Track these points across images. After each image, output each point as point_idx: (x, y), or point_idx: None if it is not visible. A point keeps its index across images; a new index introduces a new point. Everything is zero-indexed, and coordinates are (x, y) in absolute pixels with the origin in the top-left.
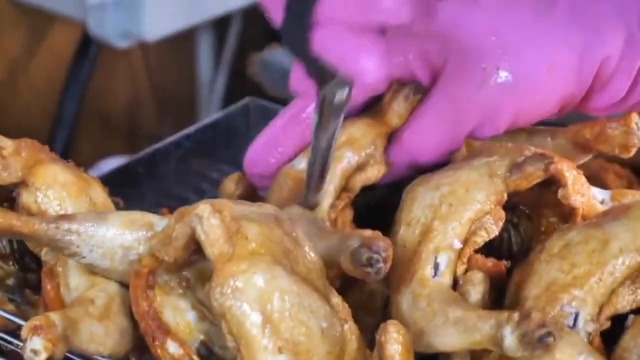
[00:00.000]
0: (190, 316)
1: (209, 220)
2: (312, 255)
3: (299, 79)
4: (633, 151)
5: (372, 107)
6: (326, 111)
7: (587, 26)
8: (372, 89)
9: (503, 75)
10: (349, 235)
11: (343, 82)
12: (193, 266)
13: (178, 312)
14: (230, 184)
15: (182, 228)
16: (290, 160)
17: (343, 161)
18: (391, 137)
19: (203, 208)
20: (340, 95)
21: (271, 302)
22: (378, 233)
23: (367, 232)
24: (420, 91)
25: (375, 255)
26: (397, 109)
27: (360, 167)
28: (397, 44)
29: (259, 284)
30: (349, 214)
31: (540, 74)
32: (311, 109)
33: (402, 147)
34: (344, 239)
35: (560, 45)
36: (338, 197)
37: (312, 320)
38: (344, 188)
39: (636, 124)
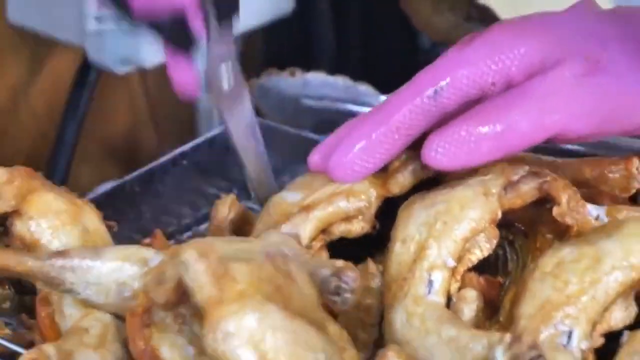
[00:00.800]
0: (189, 351)
1: (194, 266)
2: (307, 288)
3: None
4: (632, 191)
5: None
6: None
7: None
8: None
9: (604, 71)
10: (321, 264)
11: None
12: (188, 302)
13: (176, 349)
14: (223, 208)
15: (171, 271)
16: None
17: (335, 208)
18: None
19: (189, 254)
20: None
21: (264, 341)
22: (349, 264)
23: (339, 263)
24: (428, 168)
25: (344, 285)
26: (401, 181)
27: (346, 218)
28: None
29: (250, 324)
30: (324, 255)
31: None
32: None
33: None
34: (316, 266)
35: None
36: (315, 238)
37: (309, 355)
38: (323, 230)
39: (637, 168)
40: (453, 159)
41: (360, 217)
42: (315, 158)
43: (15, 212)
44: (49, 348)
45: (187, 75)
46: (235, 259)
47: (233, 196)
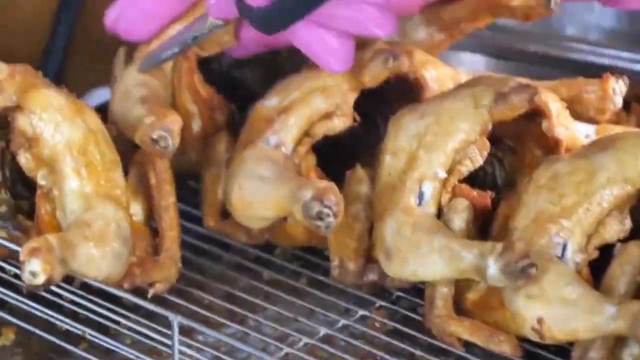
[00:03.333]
0: None
1: None
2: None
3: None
4: (608, 114)
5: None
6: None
7: None
8: None
9: None
10: (303, 186)
11: None
12: None
13: None
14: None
15: None
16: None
17: (311, 105)
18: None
19: None
20: None
21: None
22: (331, 185)
23: (321, 184)
24: (399, 58)
25: (326, 210)
26: (373, 70)
27: (327, 115)
28: None
29: None
30: (312, 159)
31: None
32: None
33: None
34: (298, 188)
35: None
36: (300, 142)
37: None
38: (307, 133)
39: (613, 89)
40: None
41: (338, 112)
42: (107, 21)
43: (17, 107)
44: (52, 238)
45: None
46: None
47: (226, 132)
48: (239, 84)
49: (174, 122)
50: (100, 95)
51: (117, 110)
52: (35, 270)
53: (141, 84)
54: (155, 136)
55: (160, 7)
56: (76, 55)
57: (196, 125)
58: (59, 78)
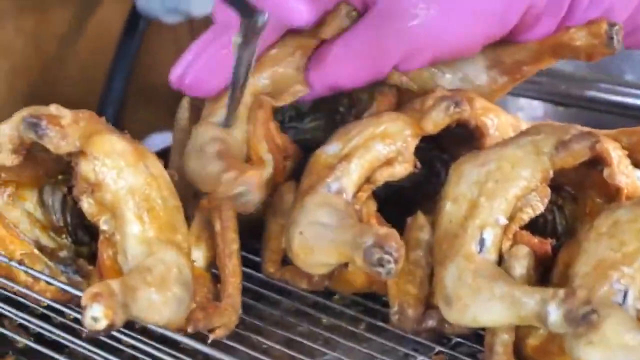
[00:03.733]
0: None
1: None
2: None
3: (221, 9)
4: (598, 58)
5: (411, 105)
6: (248, 35)
7: None
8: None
9: (431, 15)
10: (364, 232)
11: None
12: None
13: None
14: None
15: None
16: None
17: (372, 152)
18: (312, 58)
19: None
20: (262, 19)
21: None
22: (392, 232)
23: (382, 230)
24: (462, 106)
25: (387, 256)
26: (435, 117)
27: (388, 162)
28: None
29: None
30: (372, 205)
31: (465, 19)
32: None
33: (323, 70)
34: (359, 235)
35: None
36: (360, 189)
37: None
38: (368, 179)
39: (605, 32)
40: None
41: (400, 159)
42: (173, 77)
43: (80, 153)
44: (114, 283)
45: None
46: None
47: (294, 183)
48: (300, 134)
49: (254, 176)
50: (156, 139)
51: (193, 168)
52: (97, 315)
53: (215, 140)
54: (236, 192)
55: (227, 60)
56: (132, 102)
57: (267, 173)
58: (116, 125)
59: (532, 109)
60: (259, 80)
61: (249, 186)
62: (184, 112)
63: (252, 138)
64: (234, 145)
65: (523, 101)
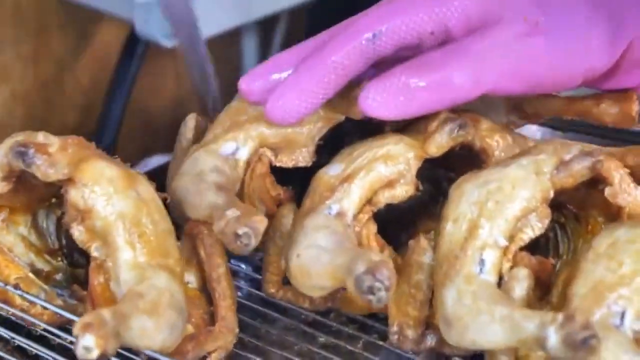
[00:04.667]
0: None
1: None
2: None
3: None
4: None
5: (416, 127)
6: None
7: (611, 16)
8: None
9: (541, 33)
10: (358, 258)
11: None
12: None
13: None
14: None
15: None
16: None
17: (374, 174)
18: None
19: None
20: None
21: None
22: (385, 260)
23: (375, 257)
24: (466, 128)
25: (377, 284)
26: (439, 140)
27: (389, 184)
28: None
29: None
30: (372, 227)
31: (576, 43)
32: None
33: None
34: (353, 260)
35: (593, 22)
36: (361, 210)
37: None
38: (369, 201)
39: (637, 113)
40: (388, 107)
41: (402, 181)
42: (249, 87)
43: (69, 180)
44: (105, 312)
45: None
46: None
47: (294, 206)
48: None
49: (261, 222)
50: (152, 162)
51: (188, 191)
52: (89, 345)
53: (216, 170)
54: (240, 232)
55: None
56: (130, 125)
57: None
58: (114, 146)
59: (530, 133)
60: (269, 131)
61: (254, 230)
62: (188, 131)
63: (247, 185)
64: (233, 181)
65: (528, 127)
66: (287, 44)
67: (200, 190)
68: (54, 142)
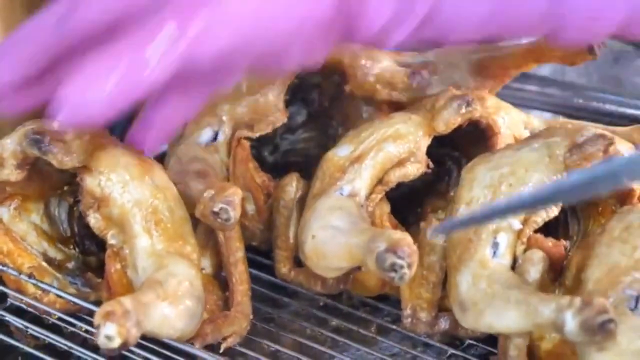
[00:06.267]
0: None
1: None
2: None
3: None
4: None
5: (424, 106)
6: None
7: None
8: None
9: None
10: (377, 236)
11: None
12: None
13: None
14: (290, 187)
15: None
16: None
17: (384, 153)
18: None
19: None
20: None
21: None
22: (405, 236)
23: (395, 235)
24: (473, 104)
25: (400, 261)
26: (447, 117)
27: (400, 163)
28: None
29: None
30: (385, 207)
31: None
32: None
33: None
34: (372, 239)
35: None
36: (373, 191)
37: None
38: (380, 181)
39: None
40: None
41: (412, 159)
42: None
43: (85, 168)
44: (126, 300)
45: None
46: None
47: (297, 175)
48: (294, 144)
49: (234, 194)
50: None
51: (176, 181)
52: (111, 334)
53: (195, 159)
54: (216, 209)
55: None
56: None
57: (250, 209)
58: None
59: None
60: (238, 108)
61: (229, 204)
62: None
63: (231, 174)
64: (215, 166)
65: (534, 113)
66: None
67: (186, 181)
68: (69, 130)
